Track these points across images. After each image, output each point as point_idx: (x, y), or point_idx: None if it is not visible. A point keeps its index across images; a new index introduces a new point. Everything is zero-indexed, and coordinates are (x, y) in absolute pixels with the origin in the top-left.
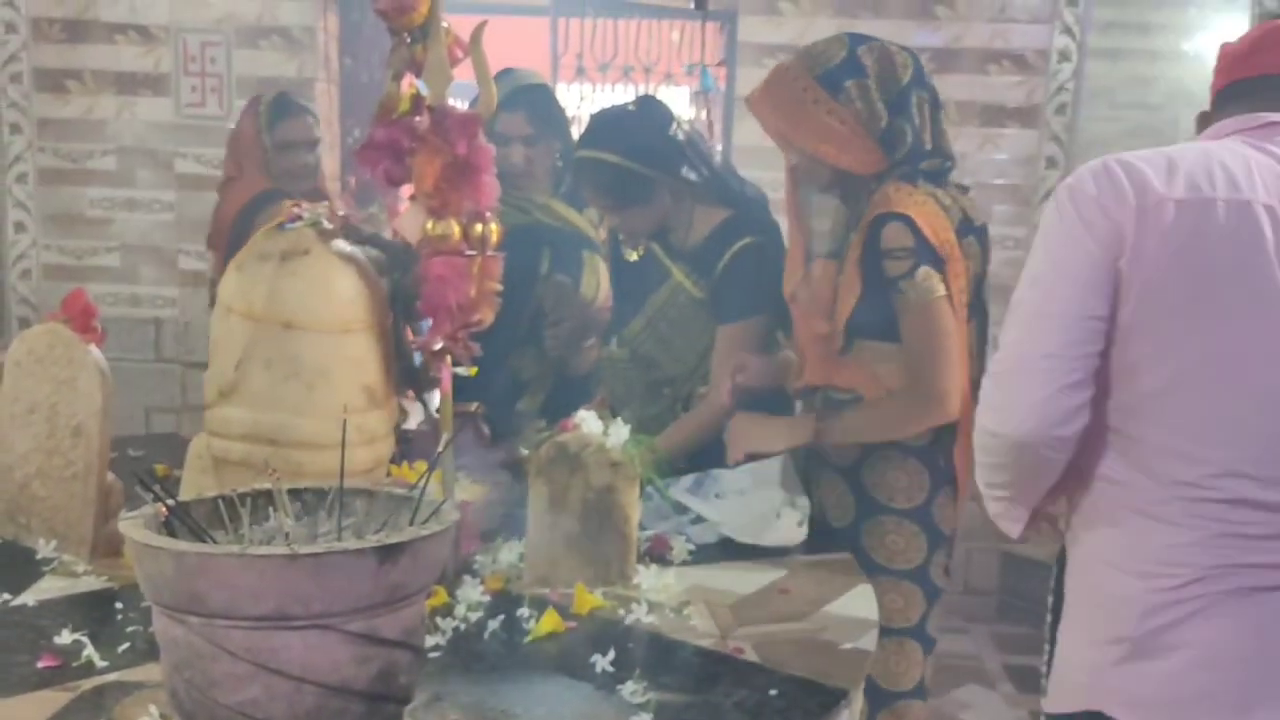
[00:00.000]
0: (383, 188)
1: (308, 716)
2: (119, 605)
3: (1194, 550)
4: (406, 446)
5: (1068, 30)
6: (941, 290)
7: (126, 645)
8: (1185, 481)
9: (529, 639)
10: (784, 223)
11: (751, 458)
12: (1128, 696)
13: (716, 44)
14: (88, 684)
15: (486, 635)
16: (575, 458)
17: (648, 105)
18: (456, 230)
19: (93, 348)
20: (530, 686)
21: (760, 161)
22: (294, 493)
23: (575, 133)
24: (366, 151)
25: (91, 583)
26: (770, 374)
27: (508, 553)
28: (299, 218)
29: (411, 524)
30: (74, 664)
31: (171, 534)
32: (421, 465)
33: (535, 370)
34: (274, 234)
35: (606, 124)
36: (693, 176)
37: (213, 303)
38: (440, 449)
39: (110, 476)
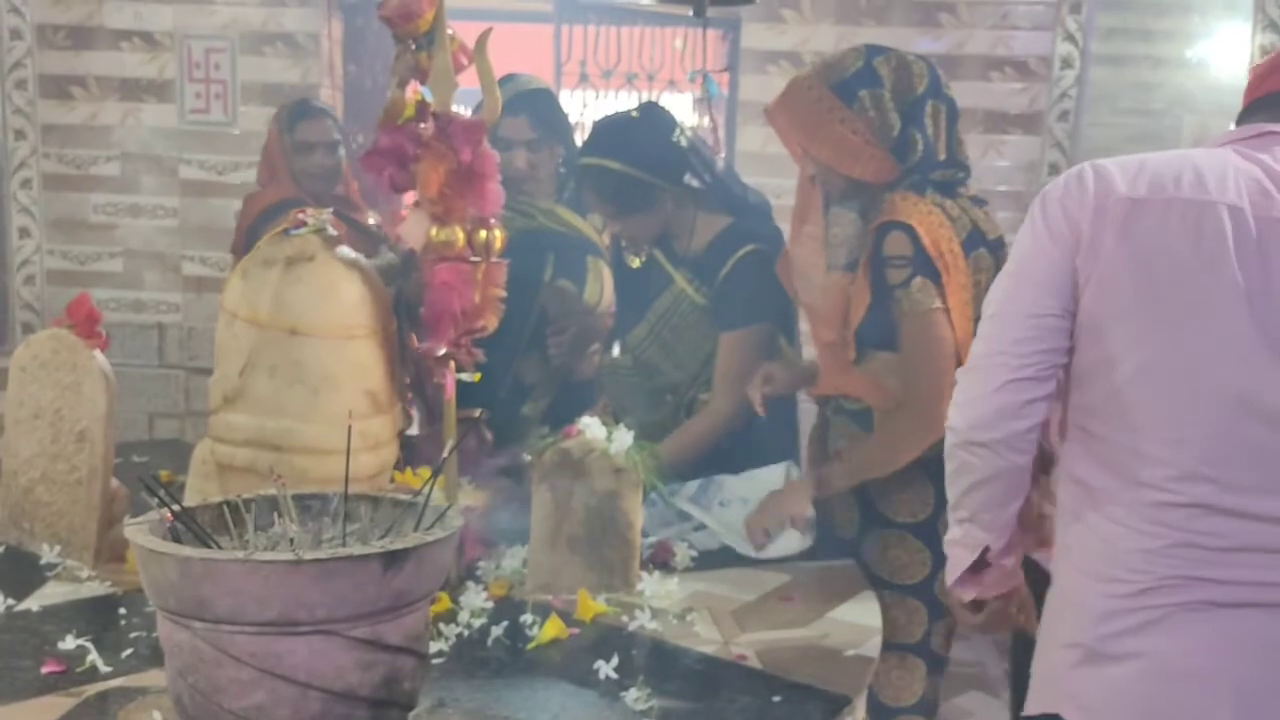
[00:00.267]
0: (387, 193)
1: None
2: (123, 611)
3: (1151, 557)
4: (410, 452)
5: (1070, 37)
6: (936, 303)
7: (130, 651)
8: (1147, 483)
9: (532, 645)
10: (785, 230)
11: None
12: (1079, 701)
13: (719, 51)
14: (91, 689)
15: (490, 641)
16: (579, 464)
17: (651, 112)
18: (461, 236)
19: (97, 353)
20: (533, 692)
21: (763, 168)
22: (298, 498)
23: (579, 139)
24: (371, 158)
25: (95, 588)
26: (795, 383)
27: (511, 559)
28: (304, 224)
29: (416, 530)
30: (78, 669)
31: (176, 540)
32: (425, 471)
33: (539, 376)
34: (279, 240)
35: (609, 131)
36: (695, 183)
37: None
38: (444, 455)
39: (114, 482)
